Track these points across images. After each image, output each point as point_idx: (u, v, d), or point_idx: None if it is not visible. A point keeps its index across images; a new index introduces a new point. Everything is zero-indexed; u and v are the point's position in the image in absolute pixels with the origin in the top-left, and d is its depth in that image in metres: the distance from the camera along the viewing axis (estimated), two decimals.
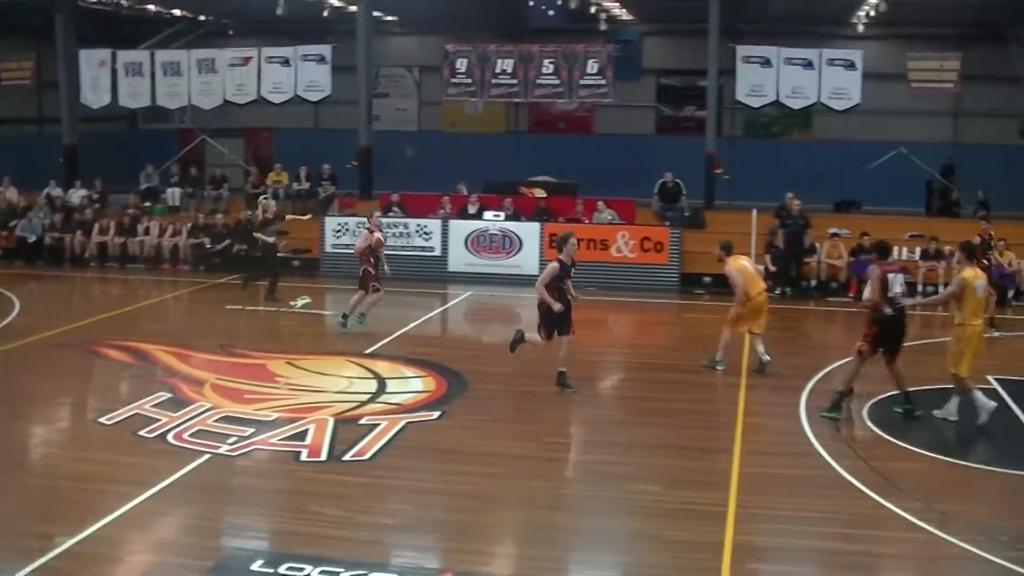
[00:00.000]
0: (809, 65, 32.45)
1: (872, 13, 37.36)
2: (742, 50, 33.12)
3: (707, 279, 28.36)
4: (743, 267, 20.10)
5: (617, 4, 39.23)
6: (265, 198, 28.66)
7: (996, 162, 39.47)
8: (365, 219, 25.47)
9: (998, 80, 38.44)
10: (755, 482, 14.03)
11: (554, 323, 18.09)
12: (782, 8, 37.14)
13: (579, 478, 14.69)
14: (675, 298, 27.82)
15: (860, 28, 41.11)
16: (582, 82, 33.06)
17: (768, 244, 28.30)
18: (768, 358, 19.89)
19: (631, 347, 23.74)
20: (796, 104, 33.54)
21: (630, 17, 42.63)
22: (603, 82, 33.11)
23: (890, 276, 17.18)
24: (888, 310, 16.95)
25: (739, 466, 14.61)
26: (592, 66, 32.95)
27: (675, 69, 44.91)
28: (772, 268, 27.77)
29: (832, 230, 29.40)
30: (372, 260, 22.87)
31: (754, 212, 29.46)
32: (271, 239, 26.44)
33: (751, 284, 19.83)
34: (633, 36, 44.21)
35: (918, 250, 28.96)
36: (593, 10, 37.26)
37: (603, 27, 40.41)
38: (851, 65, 32.61)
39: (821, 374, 19.71)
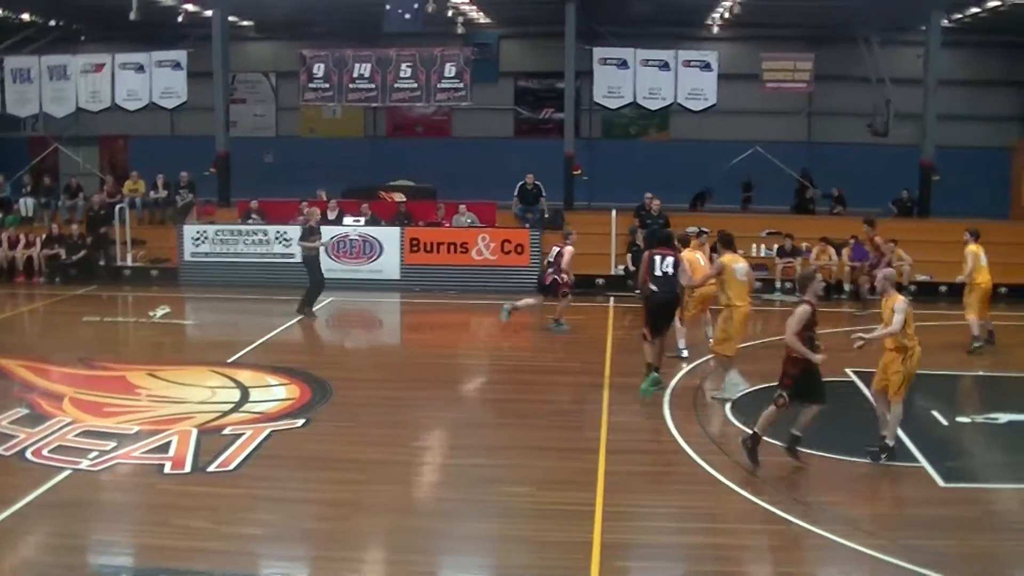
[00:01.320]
0: (665, 66, 32.86)
1: (727, 15, 37.92)
2: (599, 52, 33.41)
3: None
4: (695, 259, 20.65)
5: (474, 7, 39.26)
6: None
7: (849, 160, 40.38)
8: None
9: (849, 80, 39.26)
10: (622, 480, 14.12)
11: (812, 382, 14.79)
12: (638, 10, 37.48)
13: (447, 482, 14.63)
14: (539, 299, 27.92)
15: (715, 30, 41.73)
16: (440, 85, 33.03)
17: (629, 244, 28.53)
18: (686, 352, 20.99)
19: (495, 349, 23.74)
20: (653, 105, 33.94)
21: (487, 20, 42.68)
22: (461, 85, 33.12)
23: (656, 259, 18.29)
24: (653, 288, 18.20)
25: (605, 465, 14.68)
26: (450, 69, 32.95)
27: (533, 72, 45.12)
28: (632, 268, 28.01)
29: (691, 229, 29.71)
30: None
31: (613, 212, 29.71)
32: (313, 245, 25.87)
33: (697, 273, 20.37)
34: (490, 39, 44.28)
35: (775, 247, 29.42)
36: (450, 13, 37.26)
37: (460, 30, 40.44)
38: (707, 66, 33.11)
39: (684, 371, 19.97)
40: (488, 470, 14.65)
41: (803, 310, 14.45)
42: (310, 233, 25.65)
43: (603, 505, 13.15)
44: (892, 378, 15.24)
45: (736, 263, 18.40)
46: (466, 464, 15.04)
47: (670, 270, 18.25)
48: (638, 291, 26.65)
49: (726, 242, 18.85)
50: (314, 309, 25.36)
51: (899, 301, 15.12)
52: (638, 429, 16.68)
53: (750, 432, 14.50)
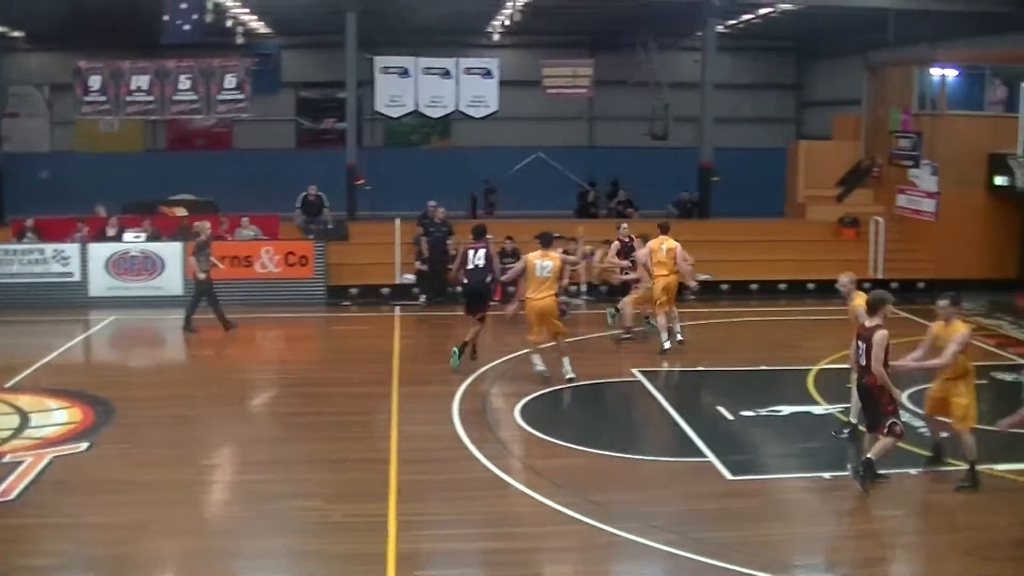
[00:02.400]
0: (447, 74, 32.95)
1: (507, 22, 38.23)
2: (380, 61, 33.33)
3: (354, 290, 28.48)
4: (656, 249, 22.23)
5: (254, 17, 38.81)
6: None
7: (630, 163, 41.18)
8: None
9: (629, 85, 39.99)
10: (414, 490, 14.10)
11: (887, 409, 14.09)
12: (419, 19, 37.55)
13: (238, 499, 14.39)
14: (323, 311, 27.70)
15: (496, 37, 42.04)
16: (220, 97, 32.46)
17: (417, 253, 28.55)
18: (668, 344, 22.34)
19: (282, 363, 23.47)
20: (435, 113, 34.01)
21: (268, 30, 42.25)
22: (242, 97, 32.63)
23: (470, 253, 20.69)
24: (465, 280, 20.90)
25: (397, 475, 14.66)
26: (230, 80, 32.43)
27: (314, 82, 44.85)
28: (422, 268, 28.12)
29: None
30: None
31: (397, 222, 29.67)
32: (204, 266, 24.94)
33: (656, 265, 22.40)
34: (271, 49, 43.81)
35: (560, 251, 29.67)
36: (230, 23, 36.73)
37: (240, 40, 39.83)
38: (488, 73, 33.31)
39: (472, 377, 20.01)
40: (279, 485, 14.44)
41: (882, 335, 13.71)
42: (203, 248, 25.09)
43: (396, 515, 13.11)
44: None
45: (542, 260, 19.66)
46: (256, 480, 14.78)
47: (481, 263, 20.55)
48: (424, 297, 27.04)
49: (546, 242, 20.19)
50: (96, 329, 24.74)
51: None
52: (428, 437, 16.65)
53: (863, 459, 13.87)
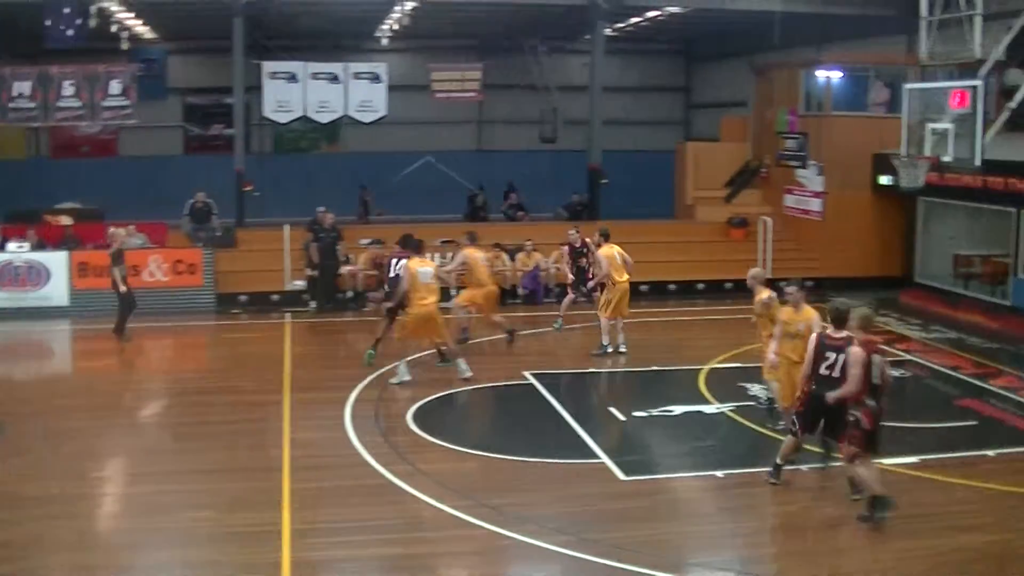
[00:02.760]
0: (335, 79, 32.77)
1: (395, 27, 38.13)
2: (268, 66, 33.06)
3: (243, 298, 28.20)
4: (612, 256, 22.20)
5: (139, 22, 38.29)
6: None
7: (519, 167, 41.30)
8: None
9: (518, 88, 40.09)
10: (309, 497, 14.01)
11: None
12: (307, 24, 37.33)
13: (128, 511, 14.15)
14: (213, 319, 27.36)
15: (384, 41, 41.88)
16: (105, 103, 31.94)
17: (307, 259, 28.34)
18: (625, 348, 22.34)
19: (172, 373, 23.11)
20: (323, 118, 33.79)
21: (153, 35, 41.73)
22: (127, 103, 32.14)
23: (393, 261, 20.86)
24: (387, 287, 21.51)
25: (291, 483, 14.55)
26: (115, 86, 31.93)
27: (201, 87, 44.41)
28: (312, 274, 27.92)
29: (365, 240, 29.77)
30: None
31: (286, 228, 29.43)
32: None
33: (616, 271, 22.30)
34: (157, 55, 43.29)
35: (449, 255, 29.64)
36: (114, 28, 36.19)
37: (125, 46, 39.23)
38: (376, 78, 33.19)
39: (364, 383, 19.91)
40: (170, 496, 14.24)
41: (859, 354, 12.99)
42: (119, 257, 24.79)
43: (291, 524, 13.02)
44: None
45: (422, 267, 20.07)
46: (148, 492, 14.54)
47: (402, 272, 20.23)
48: (315, 304, 26.92)
49: (414, 247, 20.57)
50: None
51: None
52: (321, 444, 16.55)
53: (872, 498, 13.14)
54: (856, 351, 12.95)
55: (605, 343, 22.53)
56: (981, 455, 16.03)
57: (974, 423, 17.91)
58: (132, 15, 36.24)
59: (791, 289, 15.71)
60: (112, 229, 26.14)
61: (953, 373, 21.39)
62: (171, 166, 41.73)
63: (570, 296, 25.22)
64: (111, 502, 14.67)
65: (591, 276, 24.41)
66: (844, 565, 12.28)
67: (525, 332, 24.48)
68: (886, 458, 15.36)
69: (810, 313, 15.45)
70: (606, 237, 23.10)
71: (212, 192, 31.82)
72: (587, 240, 24.77)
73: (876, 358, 12.97)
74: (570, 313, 25.13)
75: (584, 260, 24.83)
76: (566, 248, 25.50)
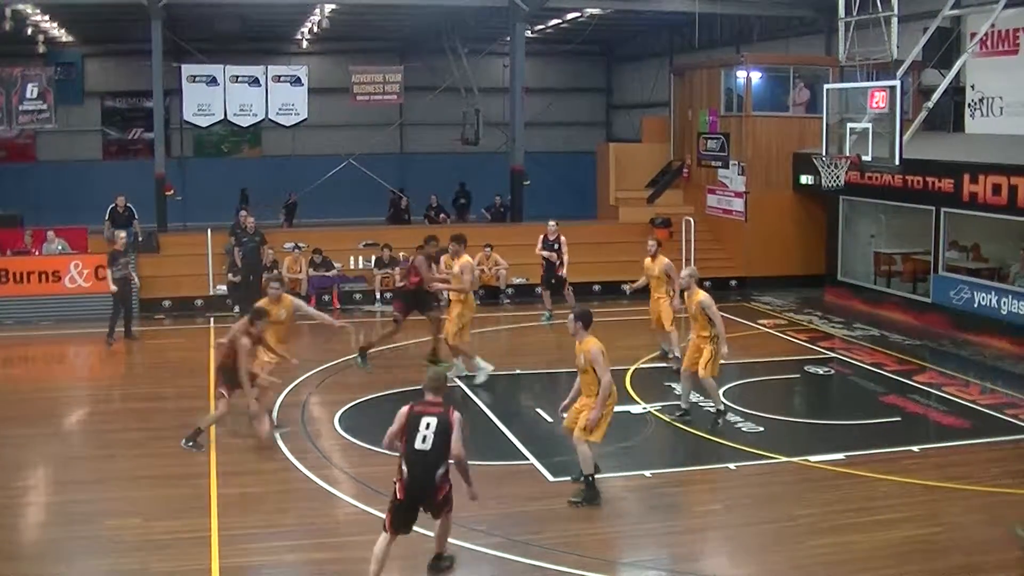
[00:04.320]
0: (256, 82, 32.61)
1: (315, 29, 37.99)
2: (187, 69, 32.82)
3: (167, 303, 27.93)
4: (474, 266, 22.12)
5: (55, 25, 37.87)
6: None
7: (441, 169, 41.29)
8: None
9: (439, 90, 40.04)
10: (236, 503, 13.93)
11: None
12: (226, 27, 37.04)
13: (52, 521, 13.91)
14: (136, 325, 27.02)
15: (305, 44, 41.77)
16: (21, 108, 31.57)
17: (230, 264, 28.12)
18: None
19: (95, 379, 22.86)
20: (244, 121, 33.59)
21: (70, 38, 41.31)
22: (44, 107, 31.80)
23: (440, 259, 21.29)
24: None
25: (218, 489, 14.44)
26: (32, 90, 31.56)
27: (120, 91, 44.05)
28: (234, 279, 27.69)
29: (289, 244, 29.62)
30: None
31: (208, 232, 29.21)
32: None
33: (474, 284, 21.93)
34: (74, 58, 42.94)
35: (373, 258, 29.56)
36: (30, 31, 35.81)
37: (42, 49, 38.93)
38: (297, 81, 33.08)
39: (290, 387, 19.76)
40: (95, 505, 14.05)
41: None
42: (118, 257, 24.73)
43: (219, 530, 12.92)
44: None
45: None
46: (71, 500, 14.34)
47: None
48: (238, 308, 26.71)
49: (464, 244, 20.88)
50: None
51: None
52: (248, 449, 16.39)
53: None
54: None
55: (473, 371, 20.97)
56: (905, 451, 16.20)
57: (898, 419, 18.10)
58: (48, 18, 35.84)
59: (685, 274, 17.83)
60: (106, 231, 26.04)
61: (877, 370, 21.59)
62: (90, 171, 41.38)
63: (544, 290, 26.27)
64: (35, 512, 14.43)
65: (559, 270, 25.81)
66: (771, 562, 12.35)
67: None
68: (812, 456, 15.59)
69: (699, 295, 17.17)
70: (462, 243, 21.19)
71: (133, 197, 31.43)
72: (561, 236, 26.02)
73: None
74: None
75: (555, 255, 25.88)
76: (540, 238, 26.19)
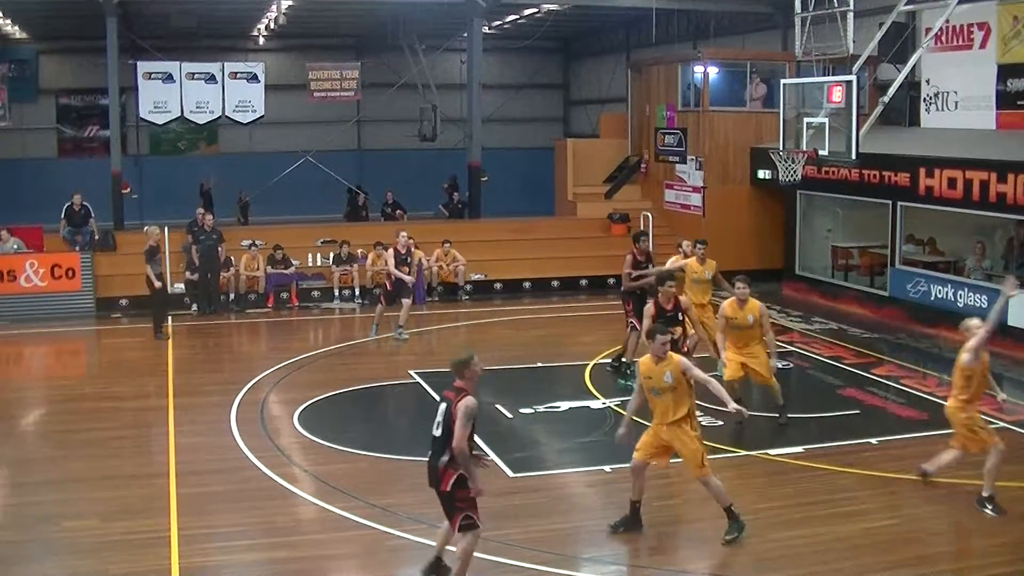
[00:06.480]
0: (212, 79, 32.42)
1: (272, 25, 37.82)
2: (143, 66, 32.60)
3: (124, 302, 27.73)
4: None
5: (8, 21, 37.56)
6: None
7: (399, 166, 41.21)
8: None
9: (397, 87, 39.96)
10: (195, 503, 13.83)
11: None
12: (181, 23, 36.83)
13: (7, 523, 13.70)
14: (92, 324, 26.88)
15: (261, 41, 41.57)
16: None
17: (188, 262, 27.97)
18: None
19: (51, 379, 22.66)
20: (201, 119, 33.40)
21: (23, 35, 40.97)
22: None
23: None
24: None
25: (177, 488, 14.35)
26: None
27: (75, 88, 43.71)
28: (192, 277, 27.57)
29: (246, 242, 29.49)
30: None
31: (165, 230, 29.04)
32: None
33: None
34: (28, 55, 42.58)
35: (331, 255, 29.47)
36: None
37: None
38: (254, 77, 32.92)
39: (249, 385, 19.72)
40: (51, 506, 13.91)
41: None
42: (154, 254, 24.74)
43: (178, 530, 12.83)
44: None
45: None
46: (28, 502, 14.20)
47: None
48: (196, 307, 26.54)
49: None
50: None
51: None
52: (207, 448, 16.31)
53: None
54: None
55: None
56: (864, 443, 16.31)
57: (856, 412, 18.21)
58: (1, 14, 35.55)
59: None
60: (147, 227, 25.81)
61: (835, 363, 21.74)
62: (46, 169, 41.03)
63: None
64: None
65: None
66: (734, 555, 12.37)
67: (411, 331, 24.41)
68: (772, 449, 15.67)
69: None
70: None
71: (89, 195, 31.21)
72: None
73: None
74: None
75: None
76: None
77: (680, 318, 15.33)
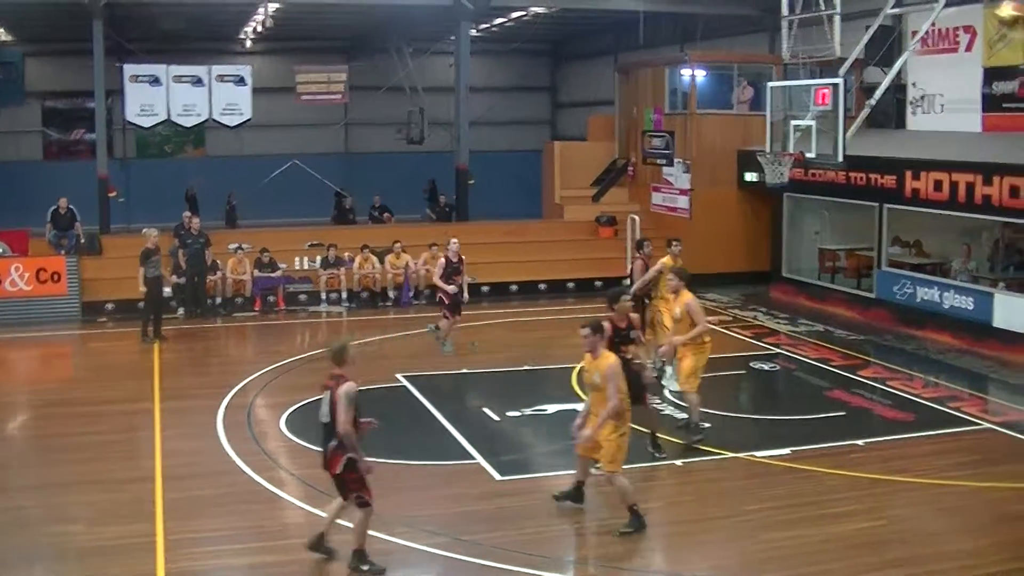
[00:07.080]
0: (199, 82, 32.32)
1: (259, 28, 37.76)
2: (130, 69, 32.49)
3: (110, 306, 27.66)
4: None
5: None
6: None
7: (386, 169, 41.18)
8: None
9: (384, 90, 39.94)
10: (182, 507, 13.78)
11: None
12: (168, 26, 36.75)
13: None
14: (78, 329, 26.78)
15: (248, 44, 41.50)
16: None
17: (175, 265, 27.90)
18: None
19: (37, 383, 22.54)
20: (188, 122, 33.26)
21: (9, 37, 40.88)
22: None
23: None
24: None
25: (163, 493, 14.31)
26: None
27: (61, 91, 43.57)
28: (179, 281, 27.48)
29: (233, 245, 29.42)
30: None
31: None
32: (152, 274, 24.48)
33: None
34: (14, 57, 42.48)
35: (318, 259, 29.42)
36: None
37: None
38: (241, 80, 32.82)
39: (236, 389, 19.68)
40: (38, 511, 13.89)
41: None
42: (149, 256, 24.63)
43: (164, 534, 12.79)
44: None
45: None
46: (13, 507, 14.13)
47: None
48: (183, 310, 26.45)
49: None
50: None
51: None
52: (194, 452, 16.27)
53: None
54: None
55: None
56: (851, 445, 16.32)
57: (843, 414, 18.23)
58: None
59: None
60: (145, 229, 25.78)
61: (822, 365, 21.75)
62: (32, 172, 40.91)
63: None
64: None
65: None
66: (722, 557, 12.40)
67: (396, 334, 24.41)
68: (759, 451, 15.68)
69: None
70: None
71: (75, 198, 31.12)
72: None
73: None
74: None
75: None
76: None
77: (632, 336, 15.20)
